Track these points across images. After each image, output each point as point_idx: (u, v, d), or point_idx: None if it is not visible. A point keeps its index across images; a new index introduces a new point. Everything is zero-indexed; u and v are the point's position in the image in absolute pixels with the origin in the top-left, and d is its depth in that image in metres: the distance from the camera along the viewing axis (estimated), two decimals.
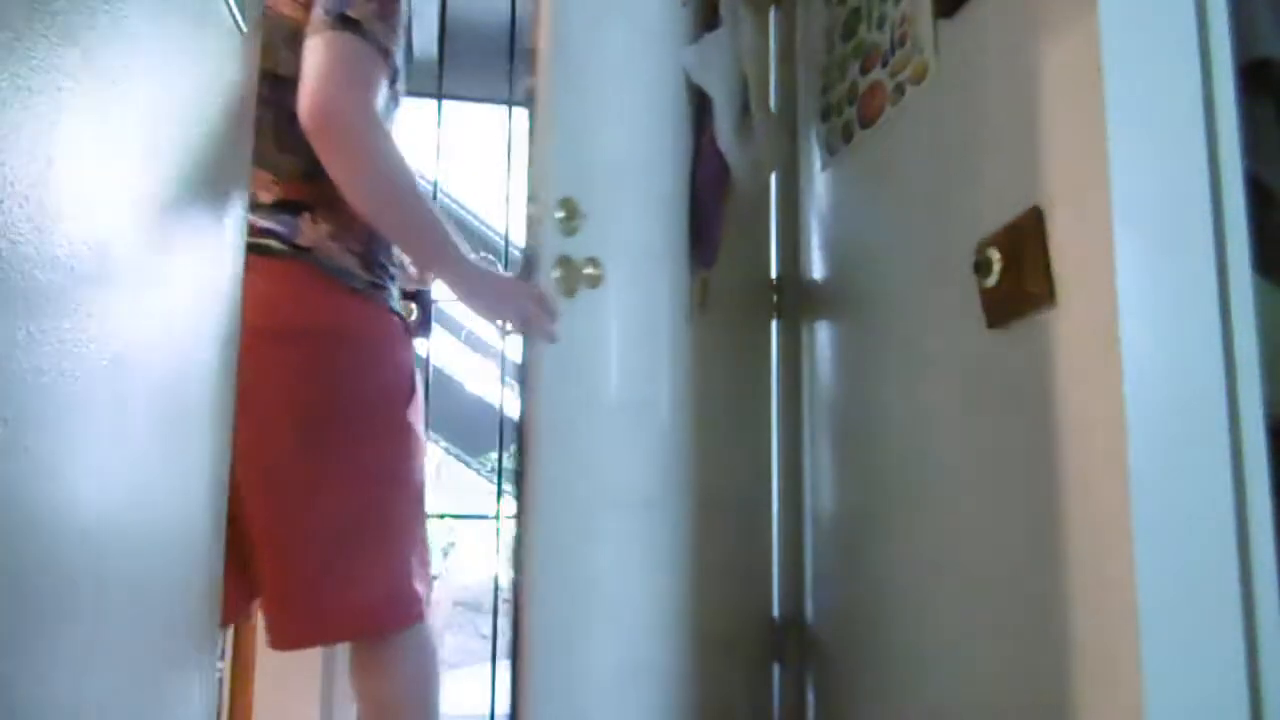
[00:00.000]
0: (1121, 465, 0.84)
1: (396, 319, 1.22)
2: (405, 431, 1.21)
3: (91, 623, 0.54)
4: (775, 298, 1.75)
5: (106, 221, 0.57)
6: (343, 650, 1.76)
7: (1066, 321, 0.96)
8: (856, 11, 1.51)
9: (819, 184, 1.66)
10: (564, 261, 1.40)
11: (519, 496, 1.43)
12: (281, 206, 1.11)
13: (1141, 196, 0.87)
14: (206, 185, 0.77)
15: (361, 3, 1.08)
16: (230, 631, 1.76)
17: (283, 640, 1.15)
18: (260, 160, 1.06)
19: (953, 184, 1.21)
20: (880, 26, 1.43)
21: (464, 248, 1.25)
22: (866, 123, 1.46)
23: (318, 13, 1.07)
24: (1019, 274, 1.03)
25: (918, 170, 1.32)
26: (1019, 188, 1.04)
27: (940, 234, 1.24)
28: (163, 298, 0.67)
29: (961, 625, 1.16)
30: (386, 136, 1.10)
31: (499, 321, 1.32)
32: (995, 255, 1.07)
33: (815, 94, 1.66)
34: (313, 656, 1.75)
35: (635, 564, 1.41)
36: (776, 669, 1.65)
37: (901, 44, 1.35)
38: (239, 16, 0.80)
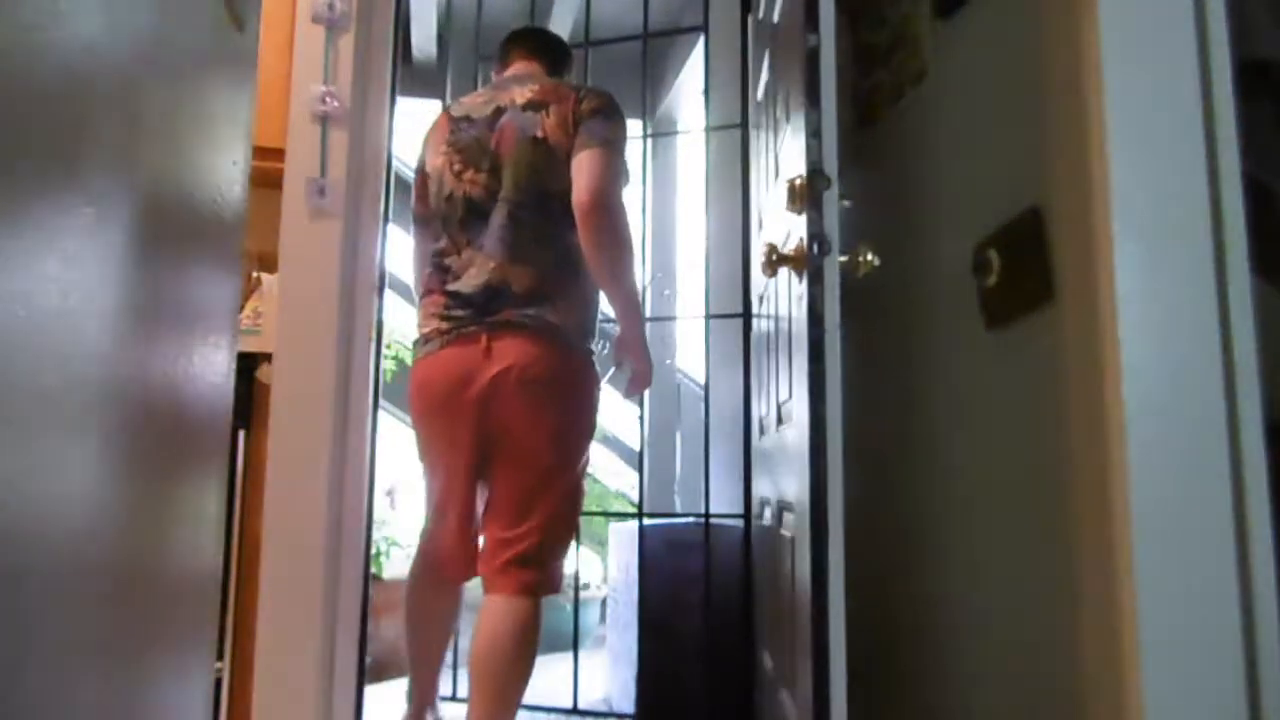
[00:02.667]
0: (1121, 463, 0.84)
1: (598, 375, 1.71)
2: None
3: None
4: None
5: None
6: (342, 649, 1.76)
7: (1066, 321, 0.96)
8: (856, 12, 1.51)
9: None
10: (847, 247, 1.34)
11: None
12: (530, 296, 1.58)
13: (1140, 197, 0.87)
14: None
15: (612, 130, 1.60)
16: (230, 631, 1.76)
17: (513, 590, 1.57)
18: (524, 256, 1.58)
19: (952, 184, 1.22)
20: (879, 27, 1.43)
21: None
22: (866, 123, 1.47)
23: (583, 138, 1.59)
24: (1018, 274, 1.03)
25: (917, 170, 1.32)
26: (1018, 188, 1.04)
27: (940, 234, 1.24)
28: None
29: (963, 622, 1.16)
30: (628, 220, 1.62)
31: (634, 369, 1.76)
32: (995, 255, 1.07)
33: None
34: (313, 656, 1.75)
35: None
36: None
37: (901, 44, 1.35)
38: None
